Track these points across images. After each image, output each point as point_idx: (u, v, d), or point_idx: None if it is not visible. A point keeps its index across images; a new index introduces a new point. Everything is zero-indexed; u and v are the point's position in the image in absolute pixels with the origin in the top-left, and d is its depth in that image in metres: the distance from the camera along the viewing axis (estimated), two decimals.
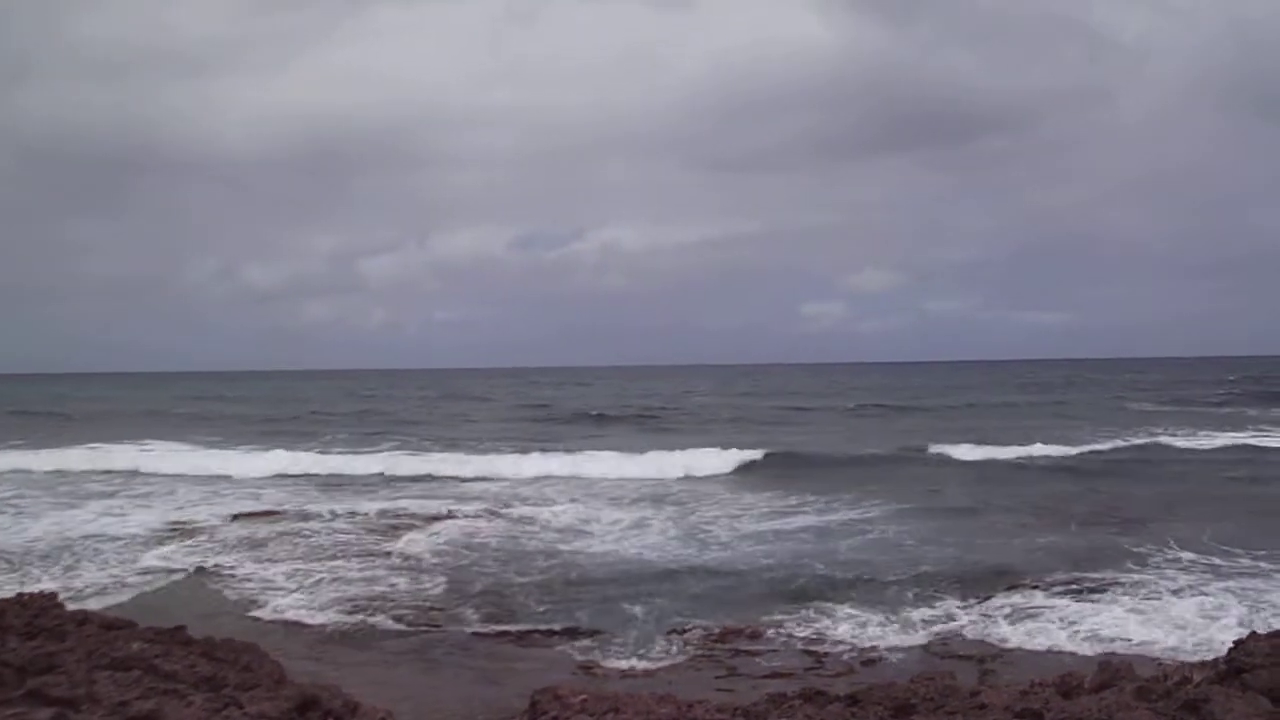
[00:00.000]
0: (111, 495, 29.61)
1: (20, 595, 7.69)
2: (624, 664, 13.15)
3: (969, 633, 14.29)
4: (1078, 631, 14.06)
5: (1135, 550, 19.22)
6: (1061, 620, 14.61)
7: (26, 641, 7.14)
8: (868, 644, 13.89)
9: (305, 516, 24.92)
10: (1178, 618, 14.55)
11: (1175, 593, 16.03)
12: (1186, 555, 18.59)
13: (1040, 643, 13.71)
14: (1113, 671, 7.93)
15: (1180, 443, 42.34)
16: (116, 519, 24.79)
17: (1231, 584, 16.41)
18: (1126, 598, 15.74)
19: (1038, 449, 38.32)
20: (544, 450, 40.43)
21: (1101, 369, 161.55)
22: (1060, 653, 13.17)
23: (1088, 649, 13.13)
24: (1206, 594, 15.86)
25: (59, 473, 35.58)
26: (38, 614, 7.49)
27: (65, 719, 6.03)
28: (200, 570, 18.56)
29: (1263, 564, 17.83)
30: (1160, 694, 7.14)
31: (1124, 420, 55.92)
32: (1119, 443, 42.36)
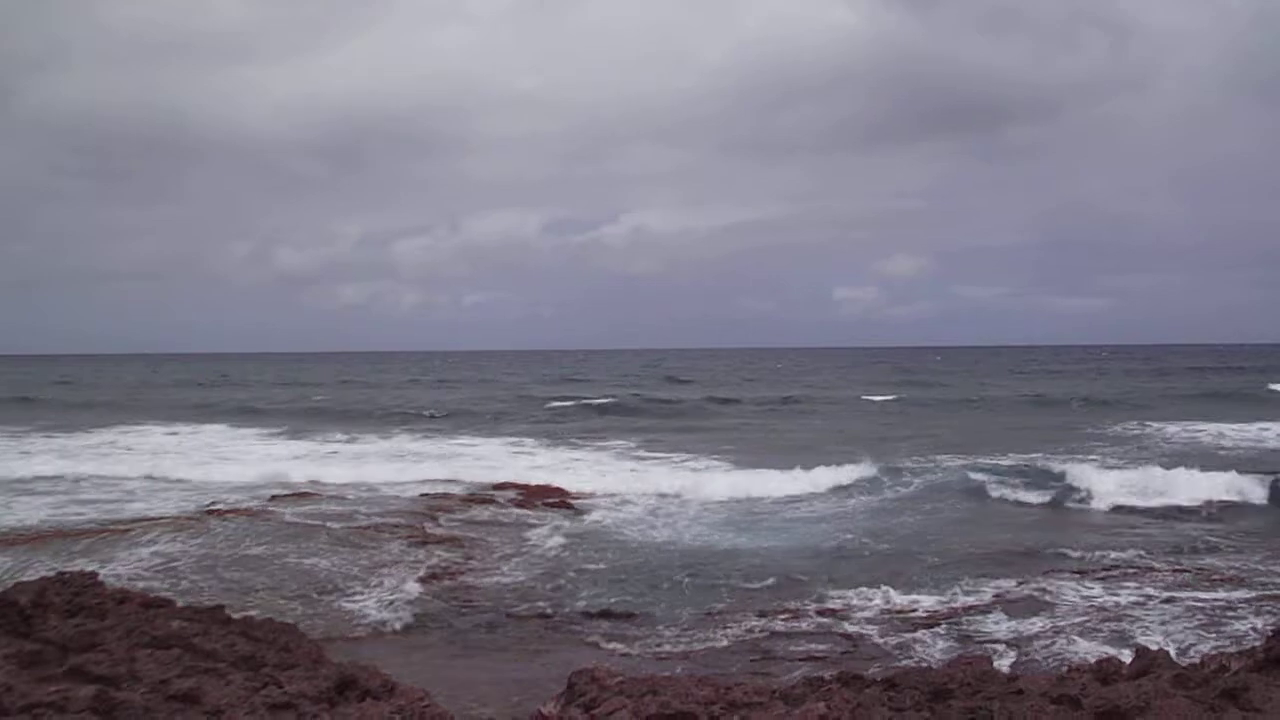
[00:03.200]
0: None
1: (62, 574, 7.74)
2: (662, 646, 13.17)
3: (1008, 617, 14.23)
4: (1112, 618, 14.01)
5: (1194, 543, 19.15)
6: (1099, 608, 14.57)
7: (68, 619, 7.20)
8: (905, 627, 13.88)
9: (342, 500, 25.01)
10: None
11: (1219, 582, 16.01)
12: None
13: (1078, 630, 13.64)
14: (1150, 658, 7.88)
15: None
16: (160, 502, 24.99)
17: None
18: (1165, 590, 15.69)
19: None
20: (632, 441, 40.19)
21: (1144, 355, 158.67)
22: (1098, 640, 13.10)
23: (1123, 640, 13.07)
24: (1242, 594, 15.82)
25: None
26: (78, 592, 7.54)
27: (106, 696, 6.07)
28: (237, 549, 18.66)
29: None
30: (1198, 681, 7.09)
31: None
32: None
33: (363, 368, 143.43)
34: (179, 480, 29.30)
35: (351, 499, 25.23)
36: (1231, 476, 25.38)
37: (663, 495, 26.38)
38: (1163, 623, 13.83)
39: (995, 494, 25.88)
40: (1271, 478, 25.16)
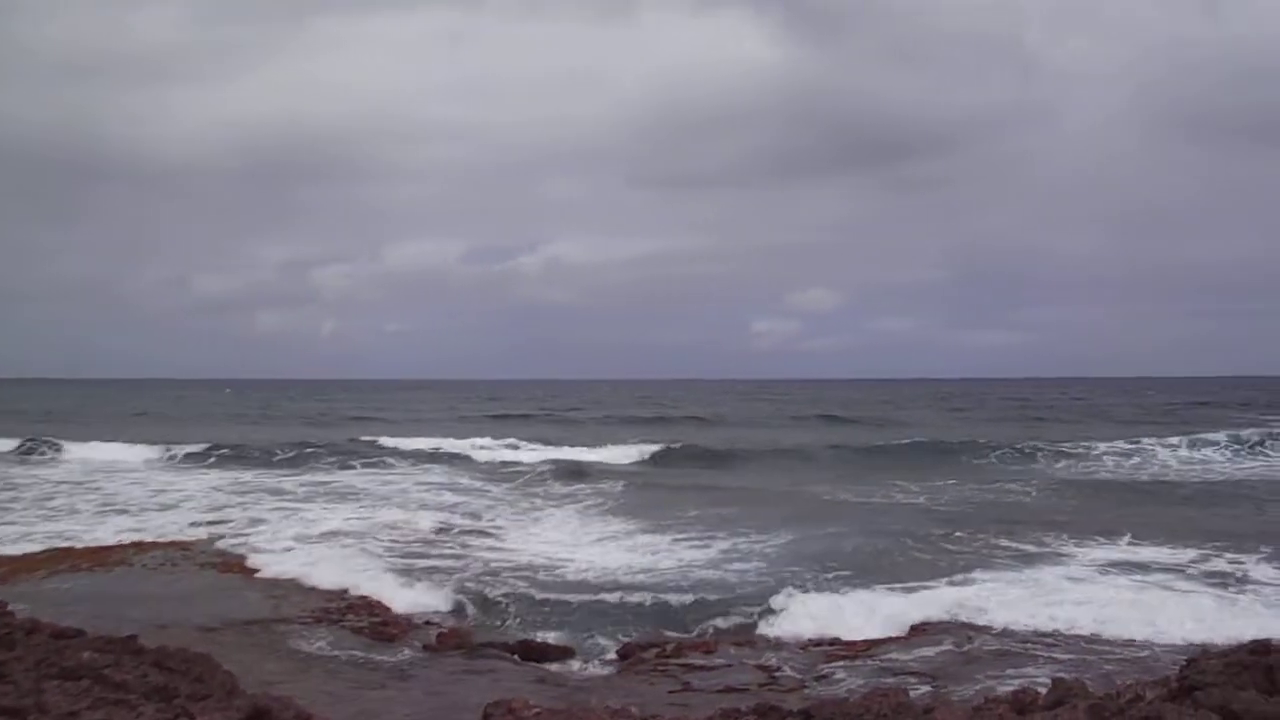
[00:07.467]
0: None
1: None
2: (578, 678, 13.11)
3: (926, 649, 14.26)
4: (1032, 648, 14.10)
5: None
6: (1021, 638, 14.66)
7: None
8: (823, 659, 13.90)
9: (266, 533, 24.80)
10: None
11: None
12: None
13: (996, 660, 13.68)
14: (1066, 689, 7.96)
15: None
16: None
17: None
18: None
19: None
20: None
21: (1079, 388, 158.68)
22: (1016, 670, 13.14)
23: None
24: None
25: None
26: None
27: None
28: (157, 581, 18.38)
29: None
30: (1113, 712, 7.17)
31: None
32: None
33: (280, 395, 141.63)
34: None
35: (274, 533, 24.98)
36: None
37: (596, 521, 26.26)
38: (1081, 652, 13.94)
39: (922, 526, 25.72)
40: None
